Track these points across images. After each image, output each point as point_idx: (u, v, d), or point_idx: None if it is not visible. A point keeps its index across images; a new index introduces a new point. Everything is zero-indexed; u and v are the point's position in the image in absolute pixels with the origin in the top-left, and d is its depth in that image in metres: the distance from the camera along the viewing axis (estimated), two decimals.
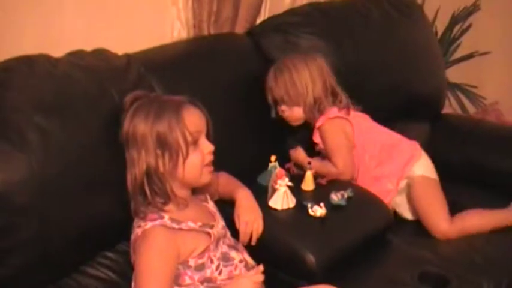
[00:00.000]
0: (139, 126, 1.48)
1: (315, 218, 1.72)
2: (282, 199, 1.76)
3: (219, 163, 1.60)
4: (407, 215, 2.05)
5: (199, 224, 1.51)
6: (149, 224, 1.47)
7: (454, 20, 3.17)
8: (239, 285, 1.45)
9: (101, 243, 1.57)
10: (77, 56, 1.63)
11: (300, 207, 1.76)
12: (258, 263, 1.60)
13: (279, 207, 1.75)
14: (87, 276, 1.55)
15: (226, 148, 1.65)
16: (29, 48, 1.60)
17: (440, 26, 3.16)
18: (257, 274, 1.45)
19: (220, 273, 1.50)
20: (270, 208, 1.75)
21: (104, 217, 1.53)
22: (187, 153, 1.48)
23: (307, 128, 2.09)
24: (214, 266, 1.49)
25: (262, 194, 1.74)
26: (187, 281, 1.47)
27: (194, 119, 1.51)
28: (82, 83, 1.55)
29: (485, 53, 3.16)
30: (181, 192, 1.53)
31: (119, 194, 1.50)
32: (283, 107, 2.04)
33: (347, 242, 1.72)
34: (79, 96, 1.52)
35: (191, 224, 1.50)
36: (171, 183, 1.50)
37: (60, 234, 1.44)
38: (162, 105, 1.50)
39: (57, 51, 1.64)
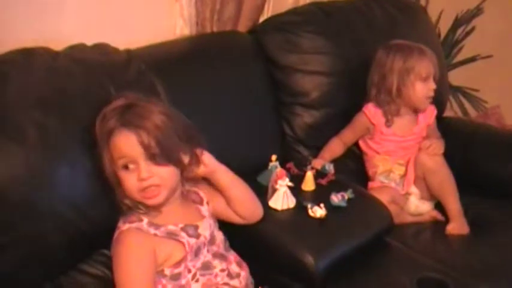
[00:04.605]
0: None
1: (314, 219, 1.71)
2: (282, 199, 1.74)
3: (220, 162, 1.58)
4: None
5: (181, 225, 1.48)
6: (126, 226, 1.45)
7: (457, 23, 3.15)
8: None
9: (98, 241, 1.55)
10: (76, 49, 1.61)
11: (300, 208, 1.74)
12: (256, 264, 1.60)
13: (279, 207, 1.74)
14: (84, 274, 1.54)
15: (226, 147, 1.63)
16: (30, 42, 1.58)
17: (443, 29, 3.15)
18: None
19: (197, 281, 1.47)
20: (270, 208, 1.73)
21: (103, 215, 1.51)
22: (118, 179, 1.44)
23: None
24: (190, 276, 1.47)
25: (262, 194, 1.73)
26: None
27: (119, 146, 1.42)
28: (81, 78, 1.53)
29: (488, 57, 3.15)
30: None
31: None
32: (434, 84, 2.12)
33: (347, 244, 1.70)
34: (77, 92, 1.51)
35: (171, 227, 1.47)
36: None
37: (57, 231, 1.43)
38: (103, 125, 1.44)
39: (58, 45, 1.63)
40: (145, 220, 1.46)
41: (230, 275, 1.52)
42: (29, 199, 1.37)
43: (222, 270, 1.51)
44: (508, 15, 3.21)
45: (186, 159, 1.49)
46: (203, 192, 1.61)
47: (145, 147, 1.40)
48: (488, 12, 3.16)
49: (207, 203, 1.60)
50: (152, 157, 1.42)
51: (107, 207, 1.50)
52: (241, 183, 1.63)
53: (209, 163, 1.55)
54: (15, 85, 1.42)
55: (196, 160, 1.52)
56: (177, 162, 1.46)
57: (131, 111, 1.43)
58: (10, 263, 1.38)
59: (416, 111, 2.18)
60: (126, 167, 1.42)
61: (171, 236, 1.47)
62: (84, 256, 1.55)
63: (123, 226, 1.46)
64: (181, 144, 1.47)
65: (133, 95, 1.49)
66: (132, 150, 1.41)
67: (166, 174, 1.44)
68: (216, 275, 1.50)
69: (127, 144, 1.41)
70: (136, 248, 1.43)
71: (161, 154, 1.42)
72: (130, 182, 1.43)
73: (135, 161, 1.41)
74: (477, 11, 3.14)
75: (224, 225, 1.64)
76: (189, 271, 1.46)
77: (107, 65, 1.62)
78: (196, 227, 1.51)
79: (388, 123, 2.14)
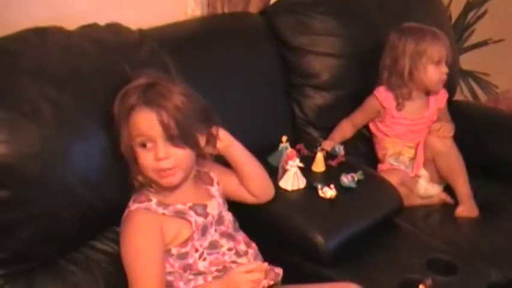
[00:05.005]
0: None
1: (324, 199, 1.72)
2: (292, 180, 1.75)
3: None
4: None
5: (189, 204, 1.49)
6: (135, 206, 1.47)
7: (469, 6, 3.13)
8: (234, 284, 1.41)
9: (110, 218, 1.56)
10: (90, 29, 1.62)
11: (310, 188, 1.75)
12: (267, 244, 1.61)
13: (289, 187, 1.75)
14: (95, 250, 1.55)
15: (236, 128, 1.63)
16: (42, 22, 1.58)
17: (455, 12, 3.12)
18: (256, 272, 1.40)
19: (204, 260, 1.48)
20: (280, 188, 1.75)
21: (115, 192, 1.52)
22: (134, 155, 1.44)
23: None
24: (197, 255, 1.47)
25: (272, 175, 1.74)
26: (168, 268, 1.45)
27: (139, 124, 1.42)
28: (95, 56, 1.54)
29: (500, 41, 3.13)
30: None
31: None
32: (446, 68, 2.12)
33: (356, 225, 1.72)
34: (91, 70, 1.51)
35: (179, 206, 1.48)
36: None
37: (70, 208, 1.44)
38: (124, 102, 1.44)
39: (70, 25, 1.63)
40: (154, 200, 1.48)
41: (238, 253, 1.53)
42: (43, 175, 1.38)
43: (230, 249, 1.52)
44: None
45: (202, 140, 1.50)
46: (215, 173, 1.62)
47: (165, 128, 1.40)
48: None
49: (217, 183, 1.61)
50: (170, 138, 1.42)
51: (120, 184, 1.51)
52: (254, 160, 1.64)
53: (224, 138, 1.56)
54: (30, 63, 1.43)
55: (213, 140, 1.53)
56: (193, 145, 1.46)
57: (153, 89, 1.43)
58: (24, 239, 1.39)
59: (428, 93, 2.17)
60: (143, 145, 1.43)
61: (179, 214, 1.48)
62: (96, 233, 1.56)
63: (132, 206, 1.48)
64: (199, 125, 1.47)
65: (156, 74, 1.50)
66: (152, 129, 1.41)
67: (183, 156, 1.45)
68: (223, 254, 1.51)
69: (147, 122, 1.41)
70: (144, 226, 1.45)
71: (179, 136, 1.42)
72: (147, 160, 1.43)
73: (153, 140, 1.42)
74: None
75: (234, 206, 1.65)
76: (196, 250, 1.48)
77: (121, 44, 1.62)
78: (204, 206, 1.52)
79: (399, 106, 2.14)
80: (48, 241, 1.44)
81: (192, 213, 1.49)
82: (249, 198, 1.65)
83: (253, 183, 1.64)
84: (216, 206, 1.55)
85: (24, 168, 1.36)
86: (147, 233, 1.44)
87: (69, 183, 1.42)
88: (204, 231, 1.49)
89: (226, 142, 1.57)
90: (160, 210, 1.47)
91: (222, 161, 1.63)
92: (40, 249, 1.43)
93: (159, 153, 1.41)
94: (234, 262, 1.51)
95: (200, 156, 1.53)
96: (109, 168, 1.49)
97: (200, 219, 1.49)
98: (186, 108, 1.43)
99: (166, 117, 1.40)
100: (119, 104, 1.44)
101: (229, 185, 1.63)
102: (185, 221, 1.48)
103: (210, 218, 1.51)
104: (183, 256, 1.46)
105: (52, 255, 1.47)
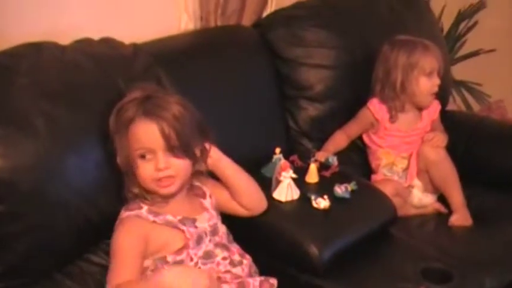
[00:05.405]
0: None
1: (318, 210, 1.73)
2: (286, 191, 1.76)
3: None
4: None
5: (179, 217, 1.50)
6: (126, 214, 1.48)
7: (460, 17, 3.16)
8: (196, 273, 1.41)
9: (105, 231, 1.56)
10: (84, 43, 1.64)
11: (304, 199, 1.76)
12: (262, 256, 1.61)
13: (283, 199, 1.76)
14: (91, 263, 1.56)
15: (230, 140, 1.65)
16: (36, 37, 1.60)
17: (446, 23, 3.15)
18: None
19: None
20: (274, 200, 1.75)
21: (111, 204, 1.53)
22: (132, 166, 1.45)
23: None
24: (192, 264, 1.48)
25: (266, 186, 1.74)
26: None
27: (139, 135, 1.44)
28: (89, 70, 1.56)
29: (491, 51, 3.15)
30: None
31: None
32: (438, 80, 2.13)
33: (350, 235, 1.72)
34: (86, 83, 1.53)
35: (169, 218, 1.49)
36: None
37: (66, 221, 1.45)
38: (121, 115, 1.46)
39: (64, 40, 1.65)
40: (145, 207, 1.49)
41: (232, 263, 1.53)
42: (38, 189, 1.39)
43: (224, 258, 1.53)
44: (511, 9, 3.21)
45: (198, 152, 1.51)
46: (207, 186, 1.63)
47: (166, 138, 1.43)
48: (491, 7, 3.17)
49: (210, 196, 1.62)
50: (171, 149, 1.44)
51: (116, 197, 1.52)
52: (245, 173, 1.65)
53: (213, 153, 1.57)
54: (25, 78, 1.44)
55: (205, 154, 1.54)
56: (192, 156, 1.48)
57: (150, 101, 1.45)
58: (20, 252, 1.40)
59: (420, 108, 2.19)
60: (143, 156, 1.45)
61: (170, 224, 1.49)
62: (91, 246, 1.57)
63: (124, 214, 1.49)
64: (196, 136, 1.49)
65: (150, 87, 1.52)
66: (154, 140, 1.43)
67: (182, 166, 1.47)
68: (218, 263, 1.51)
69: (148, 133, 1.43)
70: (131, 230, 1.46)
71: (179, 146, 1.44)
72: (147, 171, 1.45)
73: (154, 151, 1.44)
74: (480, 5, 3.15)
75: (228, 218, 1.66)
76: (191, 259, 1.48)
77: (115, 58, 1.64)
78: (194, 220, 1.53)
79: (393, 119, 2.16)
80: (44, 254, 1.44)
81: (181, 224, 1.50)
82: (241, 212, 1.66)
83: (245, 197, 1.64)
84: (206, 219, 1.55)
85: (19, 182, 1.37)
86: (132, 235, 1.45)
87: (64, 196, 1.43)
88: (199, 240, 1.50)
89: (216, 156, 1.58)
90: (151, 217, 1.48)
91: (214, 176, 1.64)
92: (36, 262, 1.44)
93: (159, 163, 1.44)
94: (228, 272, 1.52)
95: (197, 172, 1.54)
96: (104, 181, 1.51)
97: (192, 230, 1.50)
98: (183, 118, 1.46)
99: (167, 127, 1.42)
100: (115, 118, 1.46)
101: (221, 199, 1.64)
102: (178, 231, 1.49)
103: (201, 229, 1.52)
104: (178, 264, 1.47)
105: (48, 268, 1.48)
